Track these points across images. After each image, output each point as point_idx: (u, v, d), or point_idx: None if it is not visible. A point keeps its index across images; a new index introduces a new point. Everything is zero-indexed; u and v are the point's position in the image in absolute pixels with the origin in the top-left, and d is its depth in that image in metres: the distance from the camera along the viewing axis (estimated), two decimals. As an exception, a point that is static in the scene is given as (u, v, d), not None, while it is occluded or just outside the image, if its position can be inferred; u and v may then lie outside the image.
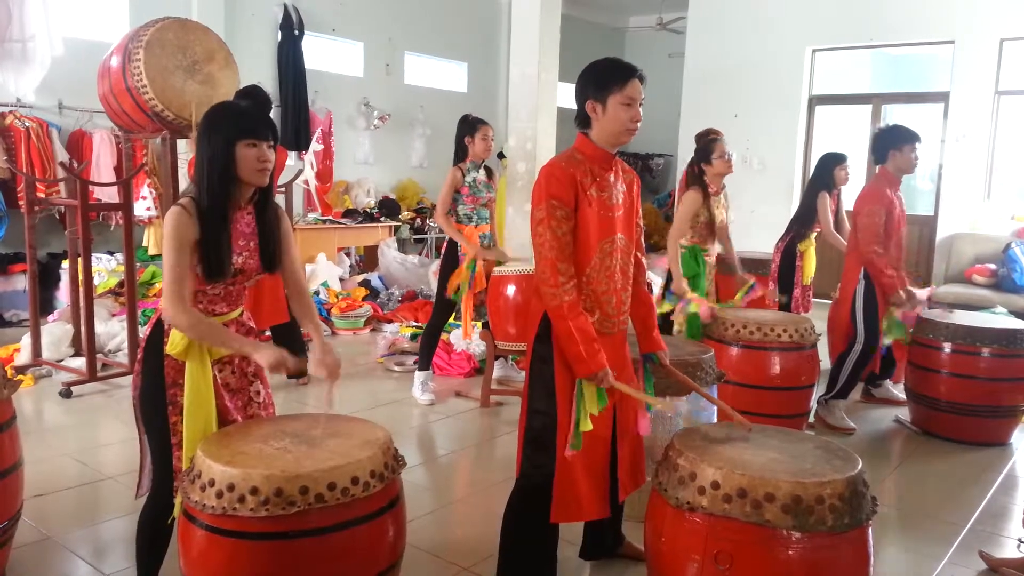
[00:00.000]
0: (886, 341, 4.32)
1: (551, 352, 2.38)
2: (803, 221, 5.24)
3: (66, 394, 4.59)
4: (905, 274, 4.36)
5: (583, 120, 2.42)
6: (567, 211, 2.31)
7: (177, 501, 2.16)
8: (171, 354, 2.16)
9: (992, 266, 7.17)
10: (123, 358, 5.13)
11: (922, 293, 4.40)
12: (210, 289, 2.19)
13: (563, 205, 2.31)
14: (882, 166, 4.29)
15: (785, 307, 5.22)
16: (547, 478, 2.38)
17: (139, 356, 2.24)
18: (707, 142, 4.23)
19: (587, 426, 2.31)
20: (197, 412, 2.15)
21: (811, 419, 4.32)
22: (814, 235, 5.26)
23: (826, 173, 5.12)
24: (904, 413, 4.59)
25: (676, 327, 4.12)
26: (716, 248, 4.37)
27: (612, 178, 2.43)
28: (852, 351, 4.34)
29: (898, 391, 4.86)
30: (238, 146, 2.12)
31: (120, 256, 6.27)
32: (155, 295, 6.39)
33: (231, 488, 1.89)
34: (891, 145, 4.22)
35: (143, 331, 2.27)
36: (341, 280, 7.72)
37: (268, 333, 5.19)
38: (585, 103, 2.38)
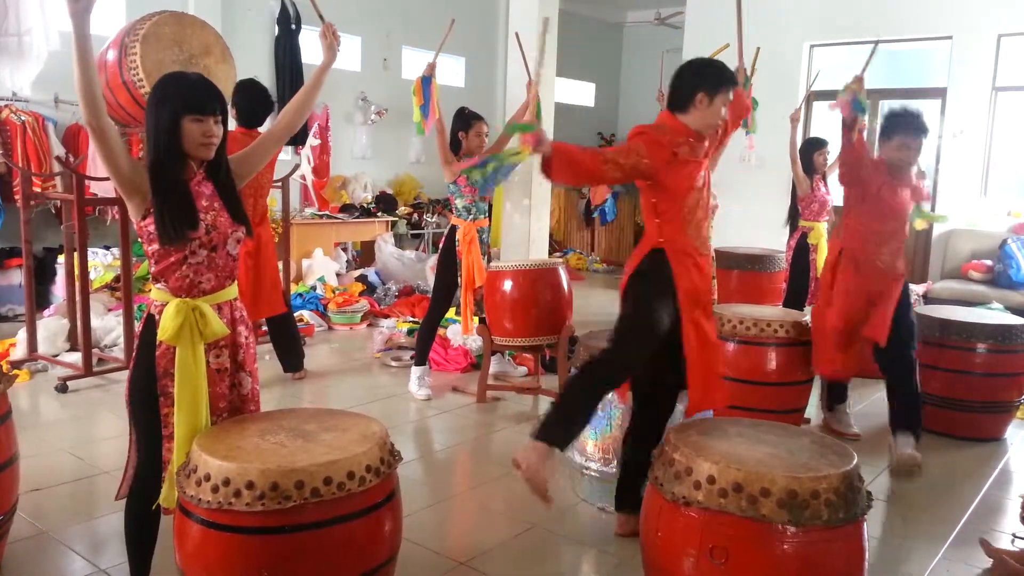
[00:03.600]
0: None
1: (648, 290, 2.71)
2: (792, 210, 5.37)
3: (62, 389, 4.58)
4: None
5: (682, 103, 2.66)
6: (642, 158, 2.58)
7: (164, 488, 2.16)
8: (162, 340, 2.13)
9: (988, 262, 7.18)
10: (119, 353, 5.12)
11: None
12: (191, 257, 2.15)
13: (647, 155, 2.58)
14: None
15: (797, 302, 5.25)
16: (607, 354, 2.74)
17: (134, 352, 2.24)
18: None
19: None
20: (188, 398, 2.13)
21: (807, 415, 4.32)
22: (824, 224, 5.31)
23: (806, 158, 5.35)
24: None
25: None
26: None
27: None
28: None
29: (853, 420, 4.32)
30: (184, 120, 2.10)
31: (116, 251, 6.25)
32: (150, 290, 6.38)
33: (227, 483, 1.89)
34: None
35: (138, 326, 2.26)
36: (338, 275, 7.72)
37: (265, 328, 5.20)
38: (696, 92, 2.62)
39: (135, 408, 2.24)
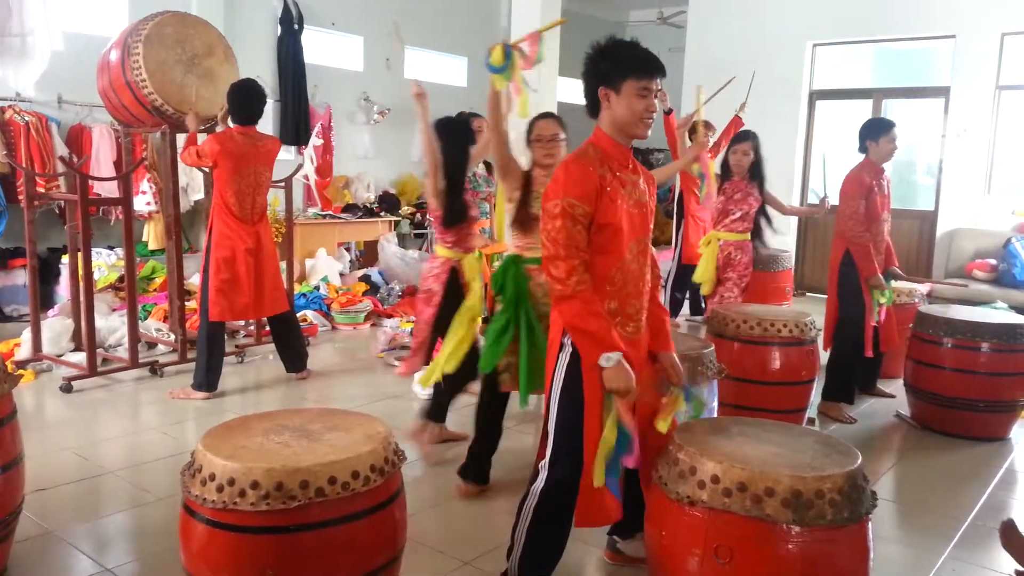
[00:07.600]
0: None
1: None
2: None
3: (66, 389, 4.59)
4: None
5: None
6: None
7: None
8: (469, 279, 3.60)
9: (992, 261, 7.17)
10: (123, 353, 5.13)
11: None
12: (464, 228, 3.59)
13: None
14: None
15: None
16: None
17: (436, 287, 3.58)
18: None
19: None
20: (468, 317, 3.45)
21: (811, 415, 4.32)
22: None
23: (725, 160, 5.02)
24: (904, 408, 4.59)
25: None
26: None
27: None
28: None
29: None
30: None
31: (120, 251, 6.27)
32: (155, 290, 6.39)
33: (232, 482, 1.90)
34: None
35: (436, 277, 3.61)
36: (341, 275, 7.72)
37: (267, 328, 5.20)
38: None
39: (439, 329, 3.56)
